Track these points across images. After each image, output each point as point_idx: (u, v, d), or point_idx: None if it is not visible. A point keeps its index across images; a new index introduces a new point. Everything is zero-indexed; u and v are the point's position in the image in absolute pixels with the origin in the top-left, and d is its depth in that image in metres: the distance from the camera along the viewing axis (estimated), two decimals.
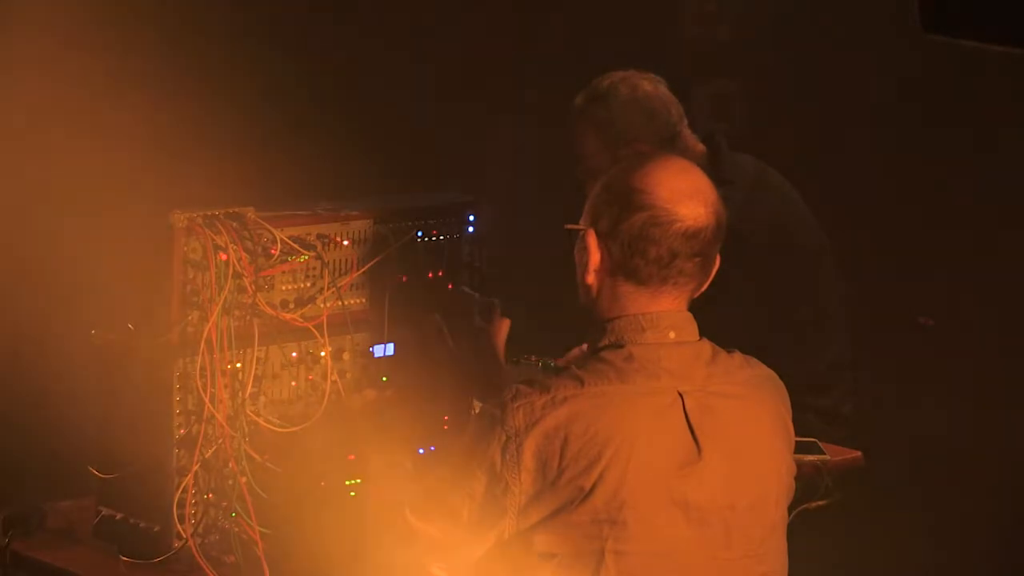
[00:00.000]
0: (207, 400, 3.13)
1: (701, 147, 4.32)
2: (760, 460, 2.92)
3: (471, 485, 2.84)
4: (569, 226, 2.98)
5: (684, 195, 2.88)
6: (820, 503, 3.66)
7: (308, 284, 3.32)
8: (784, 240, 4.27)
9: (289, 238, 3.26)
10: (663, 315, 2.89)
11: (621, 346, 2.87)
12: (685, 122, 4.32)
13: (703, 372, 2.89)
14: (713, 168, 4.29)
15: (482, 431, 2.85)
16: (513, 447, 2.78)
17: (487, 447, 2.82)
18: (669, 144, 4.28)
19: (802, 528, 3.24)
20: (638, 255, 2.87)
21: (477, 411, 3.40)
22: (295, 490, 3.23)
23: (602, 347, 2.90)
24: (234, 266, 3.16)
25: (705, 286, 2.95)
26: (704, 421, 2.85)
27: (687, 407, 2.84)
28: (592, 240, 2.91)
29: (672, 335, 2.89)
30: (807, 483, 3.68)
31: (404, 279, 3.44)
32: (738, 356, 2.96)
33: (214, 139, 4.94)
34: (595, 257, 2.90)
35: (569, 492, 2.77)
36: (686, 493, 2.82)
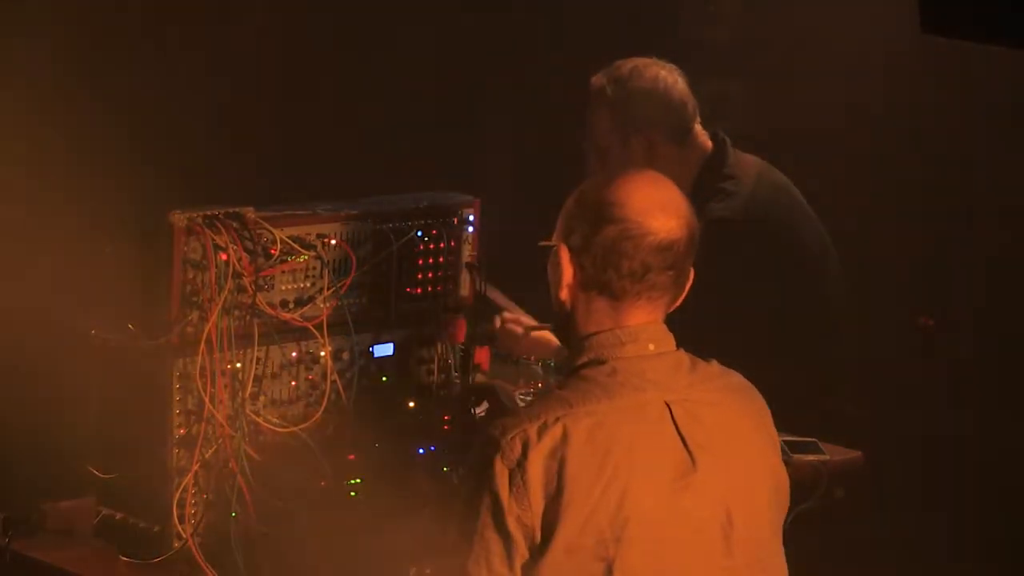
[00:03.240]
0: (207, 400, 3.13)
1: (710, 144, 4.33)
2: (749, 464, 2.90)
3: (482, 542, 2.76)
4: (543, 243, 2.97)
5: (656, 208, 2.86)
6: (820, 503, 3.66)
7: (308, 284, 3.32)
8: (788, 238, 4.27)
9: (289, 238, 3.26)
10: (641, 328, 2.87)
11: (603, 361, 2.85)
12: (698, 119, 4.33)
13: (685, 380, 2.87)
14: (718, 166, 4.30)
15: (477, 479, 2.78)
16: (518, 479, 2.74)
17: (489, 492, 2.75)
18: (680, 138, 4.29)
19: (802, 528, 3.23)
20: (611, 269, 2.85)
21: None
22: (295, 490, 3.23)
23: (582, 364, 2.87)
24: (234, 266, 3.16)
25: (679, 300, 2.92)
26: (693, 430, 2.84)
27: (675, 416, 2.83)
28: (564, 255, 2.88)
29: (651, 347, 2.87)
30: (807, 483, 3.68)
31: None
32: (715, 364, 2.95)
33: (214, 139, 4.94)
34: (568, 272, 2.88)
35: (571, 514, 2.74)
36: (685, 504, 2.80)
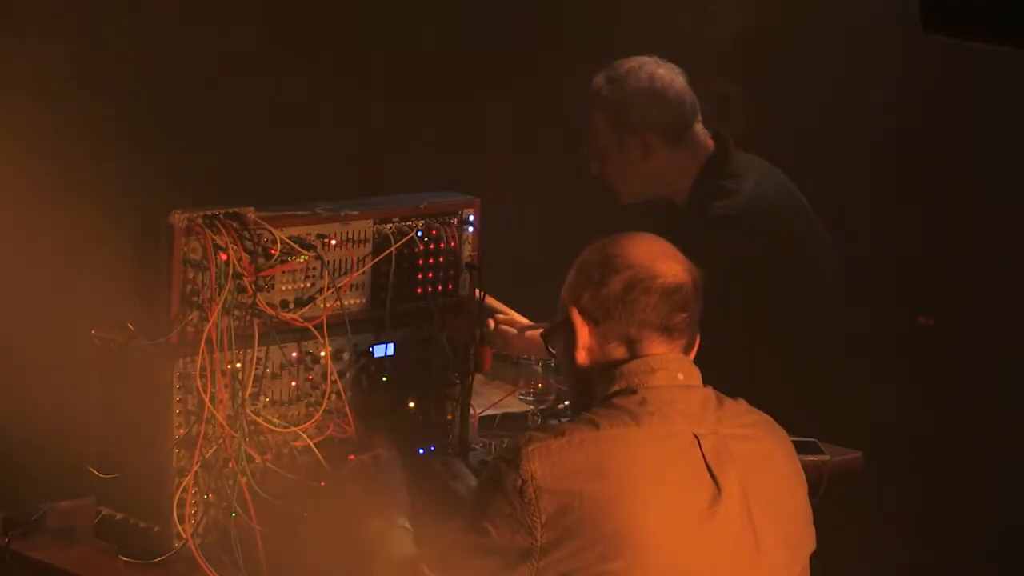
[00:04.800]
0: (207, 400, 3.13)
1: (711, 143, 4.33)
2: (781, 498, 2.90)
3: (486, 540, 2.78)
4: (544, 325, 2.98)
5: (658, 255, 2.89)
6: (820, 503, 3.66)
7: (308, 284, 3.32)
8: (789, 237, 4.27)
9: (289, 238, 3.26)
10: (671, 358, 2.87)
11: (634, 391, 2.84)
12: (699, 117, 4.33)
13: (713, 416, 2.86)
14: (721, 164, 4.30)
15: (493, 480, 2.79)
16: (530, 490, 2.73)
17: (502, 496, 2.75)
18: (677, 138, 4.29)
19: None
20: (626, 317, 2.86)
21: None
22: (295, 490, 3.23)
23: (613, 393, 2.86)
24: (234, 266, 3.17)
25: (694, 351, 2.92)
26: (722, 462, 2.82)
27: (704, 449, 2.82)
28: (576, 318, 2.88)
29: (681, 376, 2.87)
30: (807, 483, 3.68)
31: None
32: (743, 403, 2.95)
33: (214, 139, 4.94)
34: (583, 333, 2.88)
35: (590, 537, 2.72)
36: (710, 534, 2.79)
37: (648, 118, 4.27)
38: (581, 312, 2.88)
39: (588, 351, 2.89)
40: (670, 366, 2.86)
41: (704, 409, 2.87)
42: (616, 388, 2.86)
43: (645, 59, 4.32)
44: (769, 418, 2.97)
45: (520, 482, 2.74)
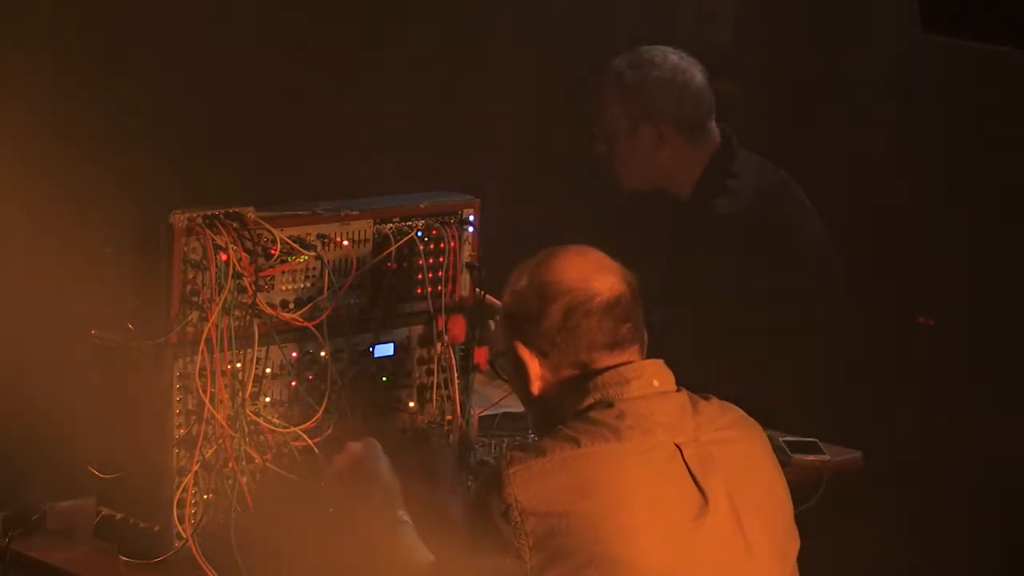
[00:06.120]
0: (207, 400, 3.13)
1: (719, 141, 4.35)
2: (766, 499, 2.89)
3: (477, 563, 2.77)
4: (494, 358, 2.98)
5: (591, 270, 2.86)
6: (820, 503, 3.66)
7: (308, 284, 3.32)
8: (791, 236, 4.28)
9: (289, 238, 3.26)
10: (643, 365, 2.86)
11: (610, 404, 2.81)
12: (713, 115, 4.34)
13: (692, 423, 2.85)
14: (725, 163, 4.32)
15: (478, 505, 2.79)
16: (515, 514, 2.72)
17: (488, 520, 2.75)
18: (691, 133, 4.30)
19: (801, 528, 3.24)
20: (571, 342, 2.84)
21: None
22: (295, 490, 3.23)
23: (588, 406, 2.83)
24: (234, 266, 3.17)
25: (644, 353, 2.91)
26: (706, 470, 2.81)
27: (686, 458, 2.80)
28: (523, 351, 2.87)
29: (656, 383, 2.85)
30: (807, 483, 3.68)
31: None
32: (715, 401, 2.92)
33: (214, 139, 4.94)
34: (533, 365, 2.87)
35: (582, 558, 2.71)
36: (700, 544, 2.78)
37: (666, 110, 4.27)
38: (526, 345, 2.87)
39: (542, 380, 2.88)
40: (644, 373, 2.84)
41: (682, 416, 2.84)
42: (591, 401, 2.84)
43: (668, 50, 4.33)
44: (742, 412, 2.95)
45: (504, 507, 2.73)
